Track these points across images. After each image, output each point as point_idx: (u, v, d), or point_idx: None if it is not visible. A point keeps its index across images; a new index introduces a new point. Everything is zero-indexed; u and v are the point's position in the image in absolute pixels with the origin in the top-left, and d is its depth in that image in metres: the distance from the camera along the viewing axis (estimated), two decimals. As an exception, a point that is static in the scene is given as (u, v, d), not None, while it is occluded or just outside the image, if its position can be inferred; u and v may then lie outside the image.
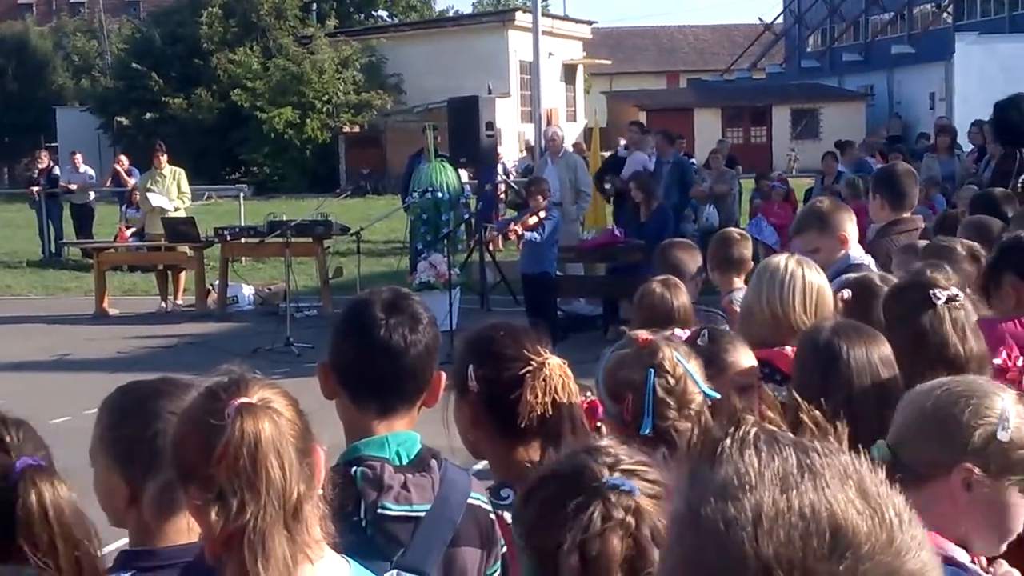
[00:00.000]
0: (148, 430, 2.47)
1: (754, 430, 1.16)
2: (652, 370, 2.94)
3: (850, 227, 5.66)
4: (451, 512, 2.65)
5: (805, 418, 1.39)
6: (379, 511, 2.56)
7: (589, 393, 3.11)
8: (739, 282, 6.34)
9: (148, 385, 2.61)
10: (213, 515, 1.96)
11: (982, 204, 6.81)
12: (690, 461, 1.20)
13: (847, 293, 3.89)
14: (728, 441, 1.15)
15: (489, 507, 2.74)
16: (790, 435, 1.22)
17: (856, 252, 5.64)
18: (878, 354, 3.03)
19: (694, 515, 1.11)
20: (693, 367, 3.02)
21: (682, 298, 4.80)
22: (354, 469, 2.58)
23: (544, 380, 2.80)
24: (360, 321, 2.73)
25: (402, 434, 2.69)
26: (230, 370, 2.15)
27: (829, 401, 1.89)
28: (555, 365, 2.84)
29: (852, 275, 4.16)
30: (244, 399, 2.03)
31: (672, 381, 2.92)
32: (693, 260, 5.86)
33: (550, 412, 2.81)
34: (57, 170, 24.61)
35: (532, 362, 2.82)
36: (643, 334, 3.14)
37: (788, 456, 1.13)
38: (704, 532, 1.10)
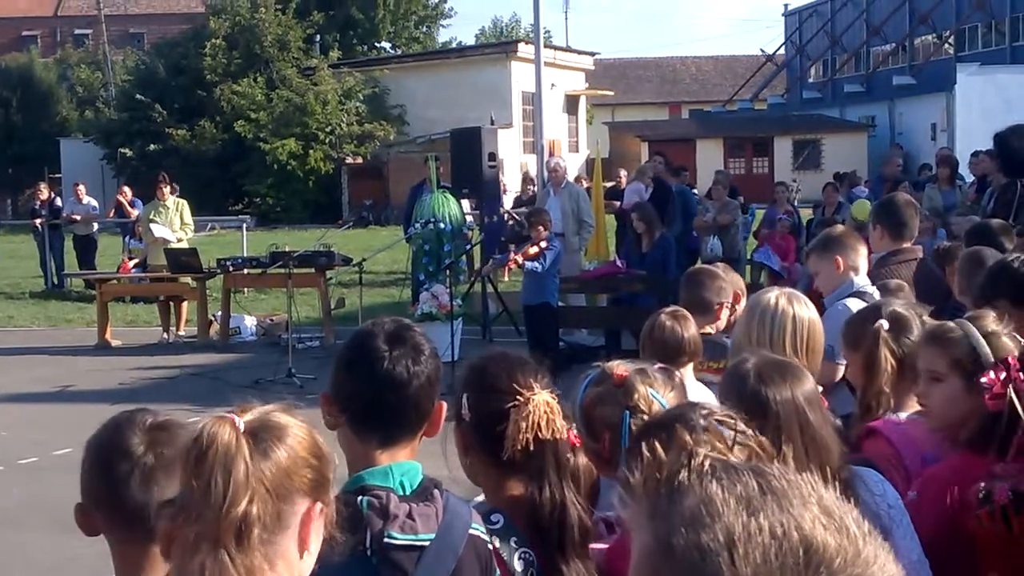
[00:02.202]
0: (100, 470, 2.54)
1: (708, 460, 1.19)
2: (627, 412, 2.96)
3: (852, 254, 5.73)
4: (454, 542, 2.64)
5: (752, 444, 1.41)
6: (385, 540, 2.56)
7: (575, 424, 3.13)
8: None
9: (115, 421, 2.66)
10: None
11: (979, 235, 6.82)
12: (646, 496, 1.21)
13: (886, 324, 3.87)
14: (685, 472, 1.17)
15: (488, 538, 2.74)
16: (743, 462, 1.24)
17: (862, 280, 5.72)
18: (802, 392, 2.96)
19: (666, 548, 1.13)
20: (670, 400, 3.03)
21: (691, 329, 4.80)
22: (360, 498, 2.58)
23: (527, 416, 2.84)
24: (363, 352, 2.74)
25: (405, 464, 2.70)
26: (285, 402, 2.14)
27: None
28: (540, 402, 2.87)
29: (892, 307, 4.11)
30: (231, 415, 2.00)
31: (646, 419, 2.94)
32: (715, 289, 5.86)
33: (532, 447, 2.85)
34: (59, 201, 24.68)
35: (519, 397, 2.86)
36: (618, 369, 3.16)
37: (748, 481, 1.16)
38: (680, 563, 1.11)
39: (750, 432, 2.01)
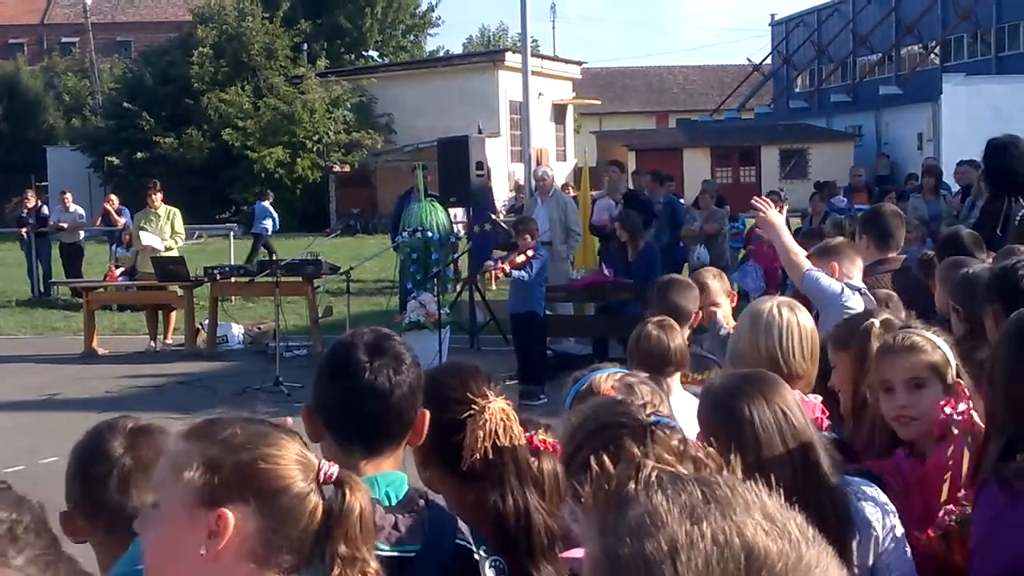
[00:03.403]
0: (81, 474, 2.56)
1: (655, 472, 1.21)
2: None
3: (848, 264, 5.97)
4: (440, 553, 2.64)
5: (700, 454, 1.45)
6: None
7: (542, 432, 3.09)
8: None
9: (96, 428, 2.68)
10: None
11: (951, 246, 6.87)
12: (595, 508, 1.24)
13: (877, 322, 3.94)
14: (632, 485, 1.20)
15: (474, 547, 2.73)
16: (689, 473, 1.27)
17: (857, 283, 5.94)
18: (781, 403, 2.91)
19: (613, 559, 1.15)
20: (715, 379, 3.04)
21: (677, 339, 4.82)
22: None
23: (483, 424, 2.84)
24: (344, 364, 2.73)
25: (390, 474, 2.70)
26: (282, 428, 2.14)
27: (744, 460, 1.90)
28: (496, 409, 2.88)
29: (882, 314, 4.18)
30: (332, 469, 2.05)
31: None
32: (690, 297, 5.87)
33: (491, 455, 2.85)
34: (46, 209, 24.62)
35: (474, 405, 2.87)
36: (605, 386, 3.18)
37: (692, 490, 1.18)
38: (626, 573, 1.14)
39: (677, 427, 2.03)
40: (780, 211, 6.29)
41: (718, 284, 6.29)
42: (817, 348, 4.09)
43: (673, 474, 1.25)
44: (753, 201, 6.35)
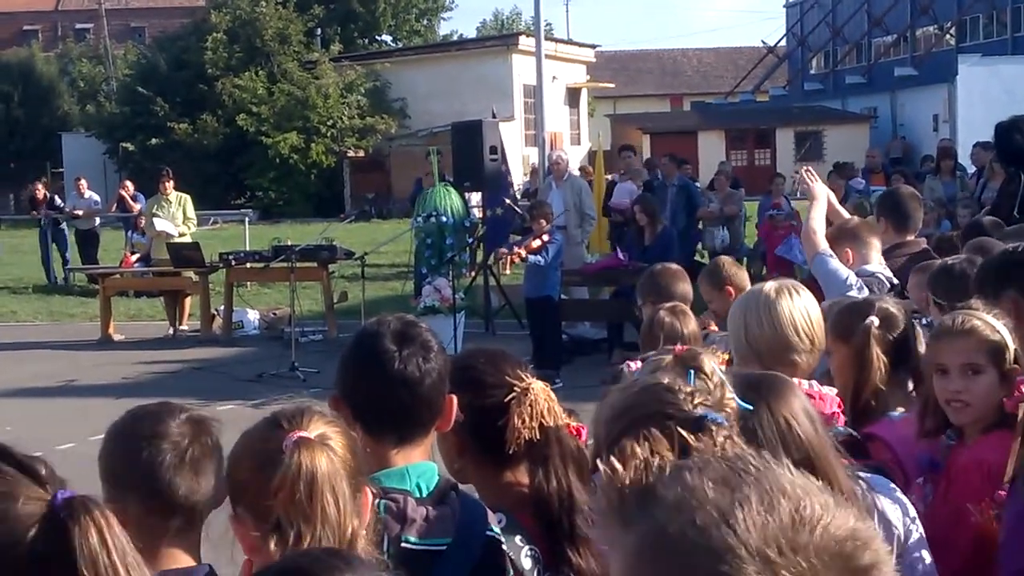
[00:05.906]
0: (133, 454, 2.53)
1: (665, 463, 1.23)
2: (692, 371, 2.88)
3: (863, 248, 5.98)
4: (471, 546, 2.61)
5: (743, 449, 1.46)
6: (402, 545, 2.52)
7: (565, 416, 3.00)
8: None
9: (146, 409, 2.67)
10: (272, 545, 2.01)
11: (974, 233, 6.82)
12: (614, 511, 1.25)
13: (876, 321, 3.84)
14: (647, 479, 1.22)
15: (503, 539, 2.68)
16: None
17: (872, 268, 5.94)
18: (786, 412, 2.70)
19: (658, 539, 1.15)
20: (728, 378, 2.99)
21: (691, 325, 4.77)
22: (377, 501, 2.52)
23: (530, 406, 2.81)
24: (373, 354, 2.68)
25: (421, 465, 2.66)
26: (297, 401, 2.25)
27: None
28: (539, 389, 2.85)
29: (884, 304, 4.05)
30: (303, 433, 2.10)
31: (711, 385, 2.88)
32: (682, 285, 5.79)
33: (537, 436, 2.81)
34: (58, 199, 24.68)
35: (516, 388, 2.83)
36: (677, 347, 3.14)
37: (717, 466, 1.20)
38: (679, 547, 1.13)
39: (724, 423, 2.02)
40: (795, 190, 6.32)
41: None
42: (823, 331, 4.01)
43: (684, 462, 1.27)
44: (803, 171, 6.51)
